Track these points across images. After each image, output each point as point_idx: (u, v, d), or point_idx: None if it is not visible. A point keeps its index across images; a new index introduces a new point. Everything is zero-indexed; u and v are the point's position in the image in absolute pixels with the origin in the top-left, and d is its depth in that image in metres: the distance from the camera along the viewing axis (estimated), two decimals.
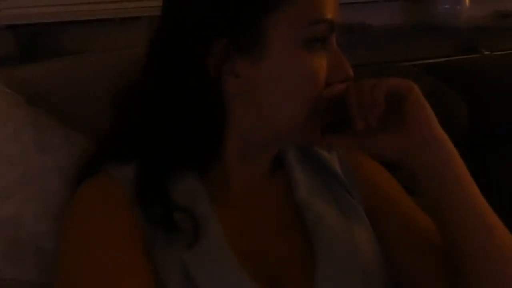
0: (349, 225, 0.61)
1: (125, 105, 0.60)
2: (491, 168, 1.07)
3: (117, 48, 0.85)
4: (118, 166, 0.58)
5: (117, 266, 0.50)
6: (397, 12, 1.65)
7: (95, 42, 1.29)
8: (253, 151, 0.60)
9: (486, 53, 1.56)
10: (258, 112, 0.56)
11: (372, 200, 0.65)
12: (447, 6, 1.57)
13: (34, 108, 0.68)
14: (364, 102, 0.54)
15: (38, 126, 0.66)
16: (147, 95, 0.58)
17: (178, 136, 0.57)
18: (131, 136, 0.59)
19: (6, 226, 0.60)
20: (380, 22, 1.59)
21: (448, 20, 1.57)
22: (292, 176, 0.64)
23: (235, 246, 0.54)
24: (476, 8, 1.61)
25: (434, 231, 0.59)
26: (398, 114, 0.55)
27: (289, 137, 0.59)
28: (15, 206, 0.61)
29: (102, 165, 0.59)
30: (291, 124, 0.56)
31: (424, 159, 0.54)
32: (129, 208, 0.54)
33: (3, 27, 1.28)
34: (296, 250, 0.58)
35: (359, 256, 0.58)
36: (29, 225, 0.61)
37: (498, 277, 0.53)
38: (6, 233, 0.60)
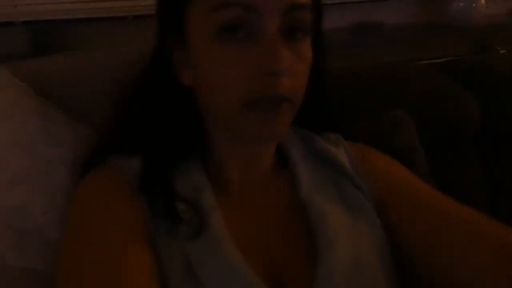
0: (354, 222, 0.60)
1: (127, 100, 0.63)
2: (502, 167, 1.05)
3: (130, 46, 0.85)
4: (123, 158, 0.59)
5: (120, 256, 0.50)
6: (411, 10, 1.63)
7: (109, 39, 1.30)
8: (238, 146, 0.61)
9: (502, 51, 1.54)
10: (207, 106, 0.58)
11: (384, 191, 0.63)
12: (462, 4, 1.55)
13: (42, 100, 0.70)
14: None
15: (45, 118, 0.66)
16: (141, 93, 0.62)
17: (171, 131, 0.59)
18: (134, 130, 0.61)
19: (13, 215, 0.61)
20: (394, 21, 1.58)
21: (463, 18, 1.55)
22: (296, 172, 0.63)
23: (238, 239, 0.54)
24: (491, 6, 1.58)
25: (455, 212, 0.57)
26: None
27: (235, 131, 0.56)
28: (22, 196, 0.62)
29: (107, 157, 0.60)
30: (225, 118, 0.55)
31: None
32: (134, 199, 0.55)
33: (18, 23, 1.30)
34: (299, 246, 0.58)
35: (363, 254, 0.57)
36: (35, 215, 0.62)
37: None
38: (13, 222, 0.61)
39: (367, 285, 0.55)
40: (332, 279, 0.54)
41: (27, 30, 1.32)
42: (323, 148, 0.66)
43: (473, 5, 1.54)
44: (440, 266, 0.56)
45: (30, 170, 0.63)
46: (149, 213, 0.54)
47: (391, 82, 0.99)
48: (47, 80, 0.74)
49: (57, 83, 0.75)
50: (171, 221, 0.54)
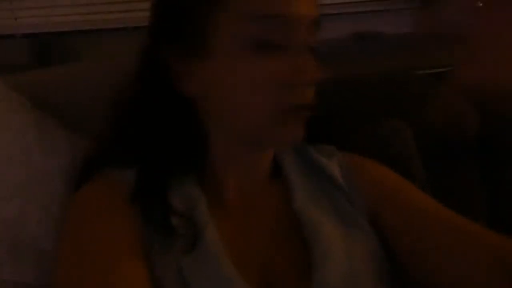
0: (348, 233, 0.59)
1: (122, 111, 0.62)
2: (500, 175, 1.05)
3: (129, 57, 0.86)
4: (118, 170, 0.58)
5: (113, 268, 0.50)
6: (409, 20, 1.64)
7: (108, 50, 1.31)
8: (239, 156, 0.60)
9: None
10: (220, 116, 0.57)
11: (376, 201, 0.63)
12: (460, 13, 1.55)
13: (38, 112, 0.70)
14: None
15: (41, 129, 0.67)
16: (135, 103, 0.60)
17: (167, 142, 0.58)
18: (130, 141, 0.60)
19: (8, 227, 0.61)
20: (392, 30, 1.59)
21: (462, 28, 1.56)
22: (290, 182, 0.63)
23: (232, 253, 0.54)
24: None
25: (449, 220, 0.57)
26: None
27: (254, 141, 0.58)
28: (17, 208, 0.61)
29: (102, 168, 0.59)
30: (248, 127, 0.55)
31: None
32: (128, 211, 0.54)
33: (18, 36, 1.31)
34: (293, 257, 0.58)
35: (357, 265, 0.57)
36: (30, 227, 0.61)
37: None
38: (8, 234, 0.61)
39: None
40: None
41: (27, 42, 1.33)
42: (314, 159, 0.66)
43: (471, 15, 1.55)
44: (432, 272, 0.56)
45: (26, 182, 0.63)
46: (143, 225, 0.54)
47: (389, 91, 0.99)
48: (45, 92, 0.74)
49: (55, 94, 0.75)
50: (165, 234, 0.53)
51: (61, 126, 0.70)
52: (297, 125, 0.55)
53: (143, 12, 1.34)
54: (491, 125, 1.03)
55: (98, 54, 1.29)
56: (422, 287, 0.58)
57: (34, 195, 0.63)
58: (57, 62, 1.22)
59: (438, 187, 0.82)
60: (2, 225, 0.60)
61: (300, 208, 0.60)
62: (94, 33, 1.34)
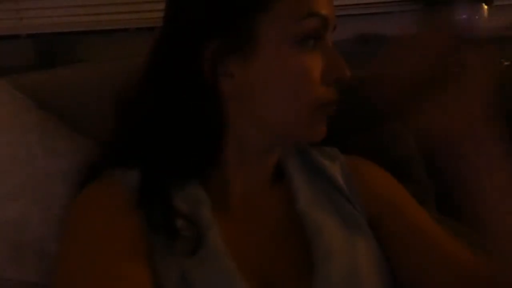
0: (350, 235, 0.60)
1: (127, 111, 0.61)
2: None
3: (132, 58, 0.86)
4: (121, 171, 0.58)
5: (115, 270, 0.50)
6: (413, 22, 1.64)
7: (111, 51, 1.31)
8: (251, 157, 0.60)
9: (506, 63, 1.54)
10: (253, 113, 0.56)
11: (376, 207, 0.64)
12: (465, 16, 1.55)
13: (43, 113, 0.70)
14: None
15: (45, 131, 0.67)
16: (147, 102, 0.59)
17: (178, 143, 0.57)
18: (134, 142, 0.59)
19: (11, 227, 0.61)
20: (397, 33, 1.58)
21: (466, 30, 1.55)
22: (293, 185, 0.63)
23: (235, 255, 0.54)
24: (495, 18, 1.59)
25: (443, 237, 0.59)
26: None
27: (286, 137, 0.59)
28: (20, 209, 0.62)
29: (105, 170, 0.59)
30: (285, 123, 0.56)
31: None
32: (131, 213, 0.54)
33: (23, 36, 1.31)
34: (295, 259, 0.58)
35: (359, 266, 0.57)
36: (33, 227, 0.62)
37: None
38: (10, 235, 0.61)
39: None
40: None
41: (32, 42, 1.33)
42: (317, 161, 0.66)
43: (476, 17, 1.55)
44: (413, 281, 0.60)
45: (29, 182, 0.63)
46: (146, 227, 0.54)
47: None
48: (49, 93, 0.75)
49: (60, 95, 0.75)
50: (168, 236, 0.53)
51: (65, 127, 0.70)
52: (324, 121, 0.58)
53: (147, 13, 1.35)
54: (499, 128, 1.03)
55: (102, 55, 1.30)
56: None
57: (37, 196, 0.63)
58: (61, 63, 1.22)
59: (439, 192, 0.82)
60: (4, 225, 0.61)
61: (303, 209, 0.61)
62: (98, 34, 1.35)
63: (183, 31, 0.56)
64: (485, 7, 1.56)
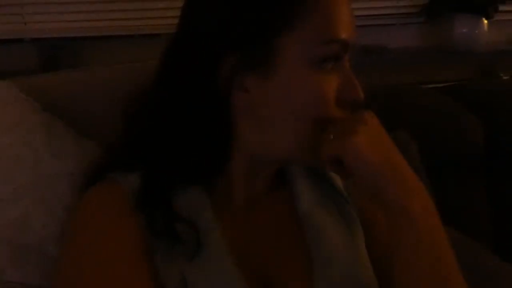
0: (351, 238, 0.60)
1: (135, 115, 0.61)
2: (505, 190, 1.05)
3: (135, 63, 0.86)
4: (124, 174, 0.58)
5: (116, 274, 0.50)
6: (414, 35, 1.65)
7: (115, 57, 1.32)
8: (258, 170, 0.60)
9: (505, 77, 1.55)
10: (263, 129, 0.56)
11: (366, 213, 0.65)
12: (465, 30, 1.56)
13: (48, 115, 0.70)
14: None
15: (50, 132, 0.67)
16: (157, 106, 0.58)
17: (185, 150, 0.56)
18: (140, 146, 0.59)
19: (14, 228, 0.61)
20: (397, 45, 1.60)
21: (466, 43, 1.56)
22: (295, 188, 0.63)
23: (236, 258, 0.54)
24: (494, 32, 1.60)
25: None
26: None
27: (294, 158, 0.58)
28: (23, 209, 0.62)
29: (109, 173, 0.59)
30: (295, 144, 0.55)
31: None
32: (132, 217, 0.54)
33: (27, 40, 1.32)
34: (297, 262, 0.58)
35: (359, 269, 0.57)
36: (36, 229, 0.62)
37: None
38: (13, 236, 0.61)
39: None
40: None
41: (36, 47, 1.34)
42: None
43: (476, 31, 1.56)
44: None
45: (33, 184, 0.63)
46: (147, 231, 0.54)
47: (394, 104, 0.99)
48: (54, 95, 0.75)
49: (64, 98, 0.75)
50: (169, 240, 0.53)
51: (70, 129, 0.70)
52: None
53: (150, 20, 1.36)
54: (496, 139, 1.04)
55: (106, 61, 1.30)
56: None
57: (40, 197, 0.63)
58: (64, 68, 1.23)
59: (441, 201, 0.82)
60: (7, 226, 0.61)
61: (305, 212, 0.61)
62: (101, 39, 1.36)
63: (203, 40, 0.55)
64: (485, 21, 1.58)
